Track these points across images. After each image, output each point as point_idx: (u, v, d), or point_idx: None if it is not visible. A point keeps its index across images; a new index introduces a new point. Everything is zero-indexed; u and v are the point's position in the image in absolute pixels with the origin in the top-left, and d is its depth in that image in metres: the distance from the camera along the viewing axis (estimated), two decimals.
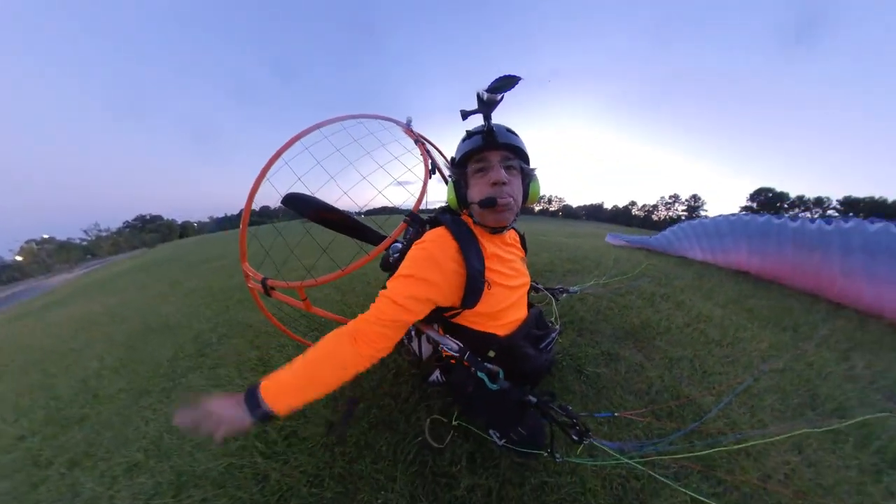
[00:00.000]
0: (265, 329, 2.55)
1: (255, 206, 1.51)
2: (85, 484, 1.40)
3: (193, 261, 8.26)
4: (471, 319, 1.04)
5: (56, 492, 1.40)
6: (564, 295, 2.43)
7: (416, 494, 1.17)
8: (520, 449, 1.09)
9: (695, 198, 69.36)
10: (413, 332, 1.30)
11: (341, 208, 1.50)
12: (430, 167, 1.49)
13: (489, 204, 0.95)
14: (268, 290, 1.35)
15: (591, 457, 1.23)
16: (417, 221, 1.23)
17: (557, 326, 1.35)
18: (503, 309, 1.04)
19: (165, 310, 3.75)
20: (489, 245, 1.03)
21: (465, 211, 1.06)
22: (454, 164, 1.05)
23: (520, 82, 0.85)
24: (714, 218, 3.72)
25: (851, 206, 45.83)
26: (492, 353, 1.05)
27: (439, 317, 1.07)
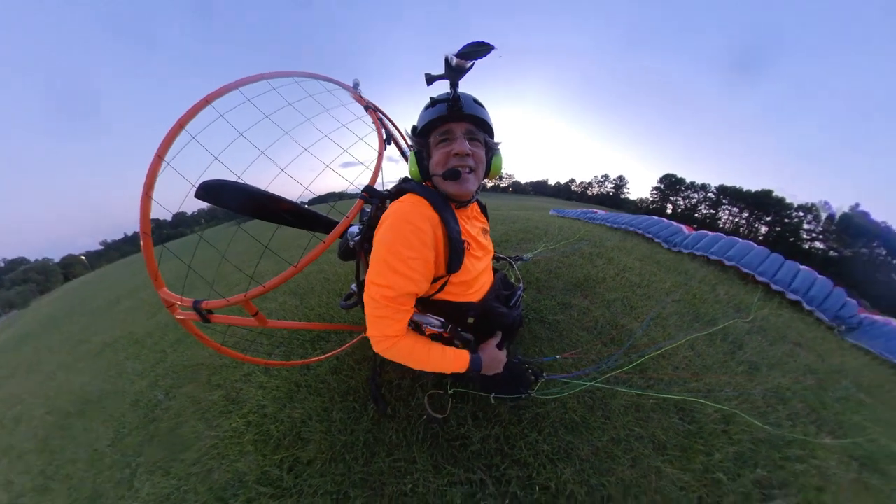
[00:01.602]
0: (221, 362, 2.13)
1: (167, 212, 1.07)
2: None
3: (98, 306, 6.40)
4: (449, 291, 1.07)
5: None
6: (519, 262, 2.80)
7: (439, 464, 1.25)
8: (506, 396, 1.30)
9: (620, 178, 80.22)
10: None
11: (278, 193, 1.21)
12: (384, 136, 1.31)
13: (452, 176, 0.92)
14: (205, 317, 1.04)
15: (566, 385, 1.56)
16: (377, 196, 1.07)
17: (521, 284, 1.49)
18: (475, 276, 1.10)
19: (78, 382, 2.86)
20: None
21: (427, 183, 1.01)
22: (416, 132, 0.99)
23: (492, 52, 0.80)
24: (631, 215, 5.17)
25: (723, 191, 57.87)
26: (471, 320, 1.11)
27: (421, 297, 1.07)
